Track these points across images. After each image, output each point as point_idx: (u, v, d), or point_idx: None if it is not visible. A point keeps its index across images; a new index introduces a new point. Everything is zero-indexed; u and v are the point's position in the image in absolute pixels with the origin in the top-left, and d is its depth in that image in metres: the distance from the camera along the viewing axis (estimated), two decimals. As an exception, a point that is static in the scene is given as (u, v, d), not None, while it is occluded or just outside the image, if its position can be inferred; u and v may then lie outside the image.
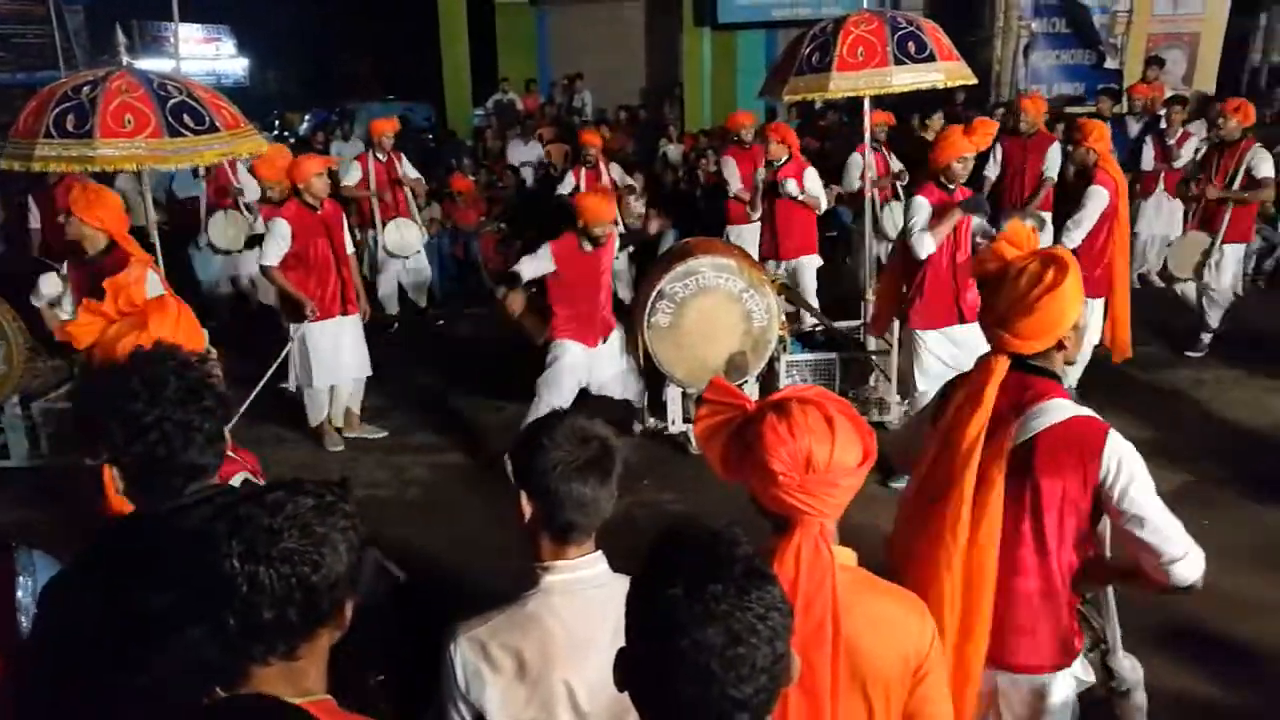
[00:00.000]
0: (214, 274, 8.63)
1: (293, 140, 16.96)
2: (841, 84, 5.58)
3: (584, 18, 16.97)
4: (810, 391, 1.73)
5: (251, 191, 8.29)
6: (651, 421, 6.13)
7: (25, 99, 5.25)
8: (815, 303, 6.83)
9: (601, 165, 8.63)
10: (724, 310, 5.60)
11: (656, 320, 5.59)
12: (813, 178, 7.32)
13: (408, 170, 8.52)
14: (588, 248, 5.44)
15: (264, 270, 5.92)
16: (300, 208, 5.84)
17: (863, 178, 6.59)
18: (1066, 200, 6.46)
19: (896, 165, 8.48)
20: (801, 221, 7.35)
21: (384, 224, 8.32)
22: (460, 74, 17.39)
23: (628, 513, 5.03)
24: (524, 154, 12.31)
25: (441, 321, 9.06)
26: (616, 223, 6.03)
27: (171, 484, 1.78)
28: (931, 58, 5.64)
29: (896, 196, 8.32)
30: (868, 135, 6.43)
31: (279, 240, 5.77)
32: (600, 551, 1.85)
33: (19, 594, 1.79)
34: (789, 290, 6.23)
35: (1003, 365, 2.24)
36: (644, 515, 5.09)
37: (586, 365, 5.62)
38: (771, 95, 6.18)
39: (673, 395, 5.89)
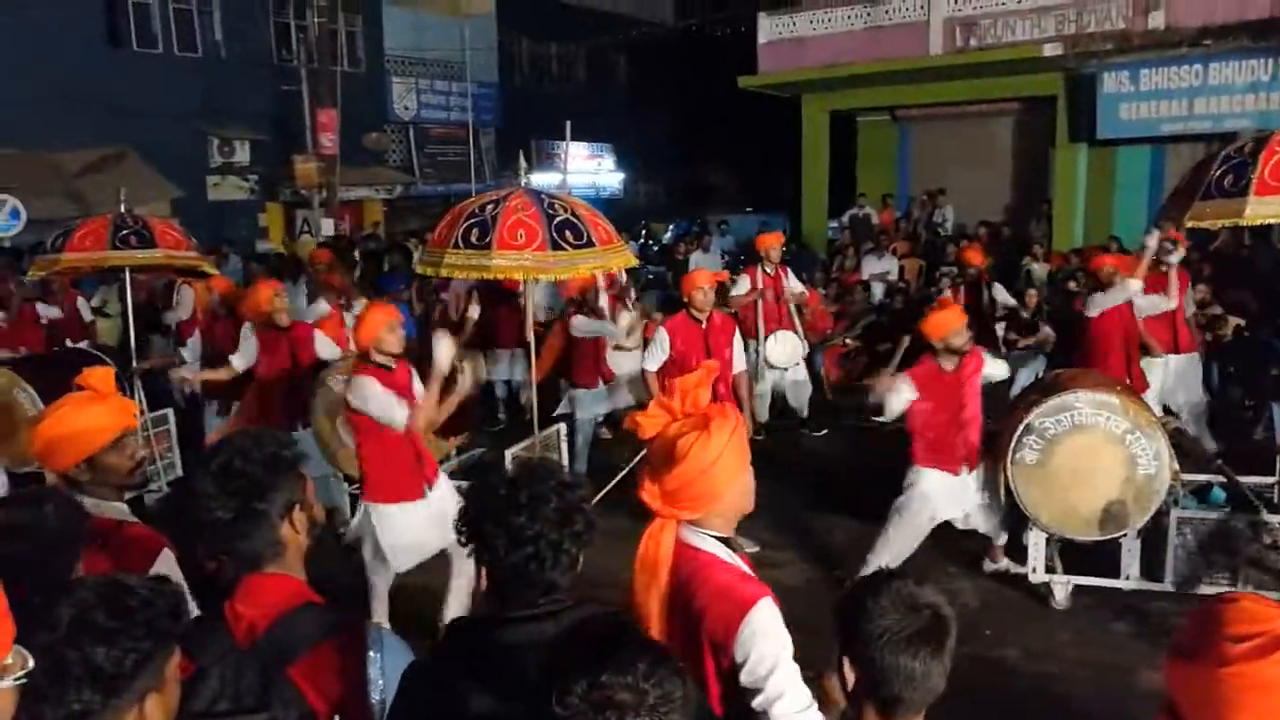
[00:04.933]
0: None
1: (656, 248, 18.17)
2: (1262, 210, 4.88)
3: (948, 133, 16.71)
4: None
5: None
6: (1006, 563, 5.60)
7: (442, 206, 6.02)
8: None
9: (983, 284, 8.16)
10: (1102, 452, 5.01)
11: (1022, 456, 5.12)
12: None
13: (793, 284, 8.63)
14: (948, 367, 5.21)
15: (643, 373, 6.35)
16: (686, 318, 6.18)
17: None
18: None
19: None
20: None
21: (767, 336, 8.41)
22: (818, 188, 17.74)
23: (959, 665, 4.52)
24: (877, 268, 12.16)
25: (825, 431, 8.93)
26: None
27: (528, 597, 1.85)
28: (1382, 179, 4.79)
29: None
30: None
31: (658, 348, 6.14)
32: None
33: (369, 669, 1.90)
34: (1181, 435, 5.46)
35: None
36: (979, 670, 4.52)
37: (947, 496, 5.29)
38: (1171, 222, 5.57)
39: (1035, 539, 5.32)
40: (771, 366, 8.42)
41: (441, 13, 22.78)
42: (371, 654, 1.90)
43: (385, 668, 1.89)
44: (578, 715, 1.35)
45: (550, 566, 1.82)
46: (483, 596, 1.94)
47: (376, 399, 4.64)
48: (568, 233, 5.48)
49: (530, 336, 6.34)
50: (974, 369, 5.26)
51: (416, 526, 4.70)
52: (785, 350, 8.39)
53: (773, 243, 8.61)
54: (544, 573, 1.82)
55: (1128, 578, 5.20)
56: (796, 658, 2.07)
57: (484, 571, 1.89)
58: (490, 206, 5.58)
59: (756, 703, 2.02)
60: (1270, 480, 5.62)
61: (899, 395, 5.21)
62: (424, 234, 11.77)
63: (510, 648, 1.79)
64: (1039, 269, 11.42)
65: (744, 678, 2.02)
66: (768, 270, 8.45)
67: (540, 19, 25.59)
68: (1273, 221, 5.17)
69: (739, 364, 6.27)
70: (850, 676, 1.71)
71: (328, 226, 16.93)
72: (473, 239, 5.47)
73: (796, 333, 8.48)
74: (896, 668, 1.65)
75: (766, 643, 2.01)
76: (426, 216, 18.32)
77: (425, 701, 1.83)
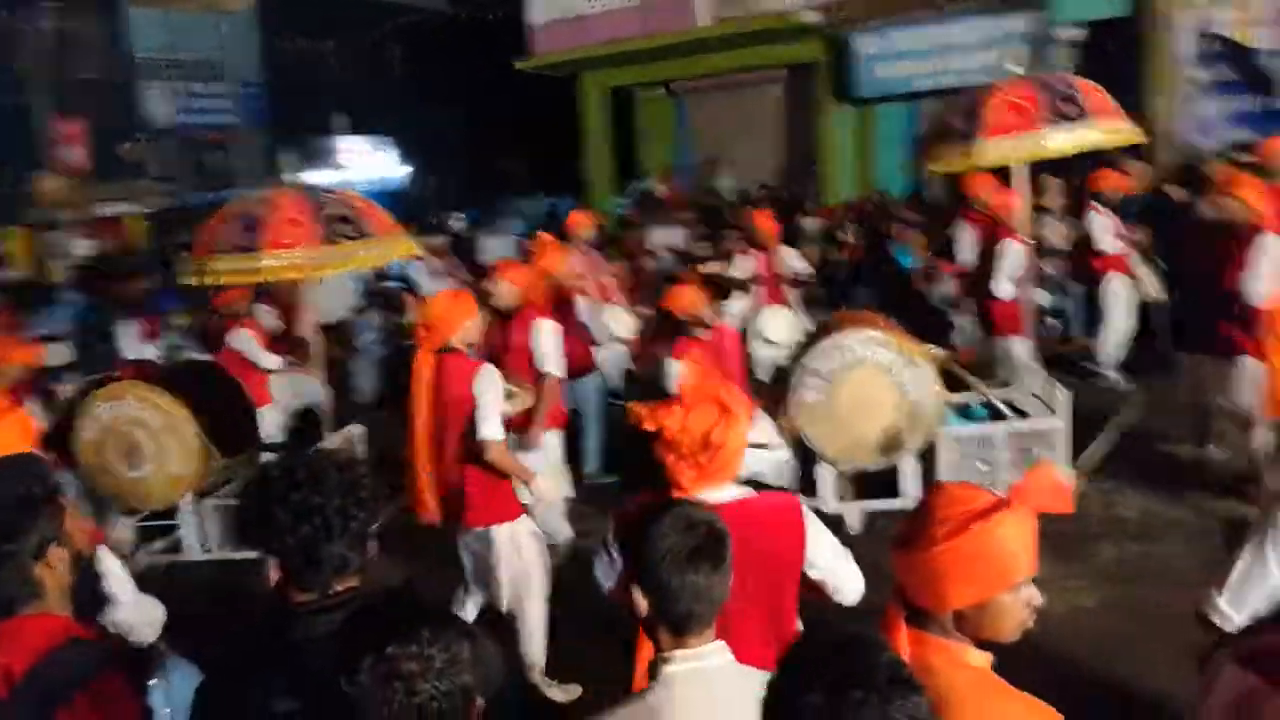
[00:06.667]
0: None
1: (449, 238, 17.88)
2: (991, 151, 5.36)
3: (722, 103, 17.25)
4: None
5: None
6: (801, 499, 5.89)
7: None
8: None
9: (771, 248, 8.20)
10: (876, 384, 5.35)
11: (804, 397, 5.39)
12: None
13: (598, 261, 8.57)
14: (702, 337, 5.22)
15: None
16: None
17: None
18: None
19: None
20: None
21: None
22: (602, 166, 17.95)
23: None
24: (665, 239, 12.45)
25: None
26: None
27: (321, 575, 1.83)
28: (1088, 117, 5.34)
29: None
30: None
31: None
32: (723, 642, 1.82)
33: (153, 697, 1.86)
34: (947, 361, 5.92)
35: None
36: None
37: None
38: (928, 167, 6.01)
39: (824, 474, 5.65)
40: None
41: (194, 10, 21.39)
42: (153, 682, 1.85)
43: (172, 694, 1.84)
44: (368, 692, 1.38)
45: (339, 535, 1.81)
46: (273, 588, 1.90)
47: (496, 391, 4.09)
48: (342, 225, 5.31)
49: (313, 339, 6.13)
50: (731, 337, 5.36)
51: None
52: (622, 324, 8.33)
53: (582, 222, 8.40)
54: (332, 544, 1.80)
55: (909, 496, 5.60)
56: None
57: (273, 564, 1.87)
58: (256, 207, 5.33)
59: (821, 575, 2.44)
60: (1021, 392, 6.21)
61: (671, 377, 5.14)
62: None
63: (303, 643, 1.76)
64: (811, 224, 12.03)
65: (811, 557, 2.42)
66: (582, 250, 8.26)
67: (305, 13, 24.42)
68: (1003, 162, 5.66)
69: (543, 361, 5.35)
70: (642, 603, 1.78)
71: (84, 248, 15.59)
72: (239, 242, 5.21)
73: (623, 307, 8.40)
74: (683, 585, 1.73)
75: (818, 529, 2.47)
76: (198, 228, 17.15)
77: (224, 715, 1.79)
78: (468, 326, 4.24)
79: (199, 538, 5.92)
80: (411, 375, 4.15)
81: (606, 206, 17.08)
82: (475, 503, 4.10)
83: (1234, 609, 2.30)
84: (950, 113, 5.68)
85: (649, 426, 2.34)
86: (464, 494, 4.09)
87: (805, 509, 2.46)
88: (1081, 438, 5.66)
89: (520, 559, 4.17)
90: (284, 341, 7.45)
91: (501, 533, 4.12)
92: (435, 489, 4.14)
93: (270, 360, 6.90)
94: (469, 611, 4.32)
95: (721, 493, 2.38)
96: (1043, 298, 7.63)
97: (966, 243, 7.57)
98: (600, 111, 17.73)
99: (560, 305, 6.32)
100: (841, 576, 2.46)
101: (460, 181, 27.51)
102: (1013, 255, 6.51)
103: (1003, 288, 6.63)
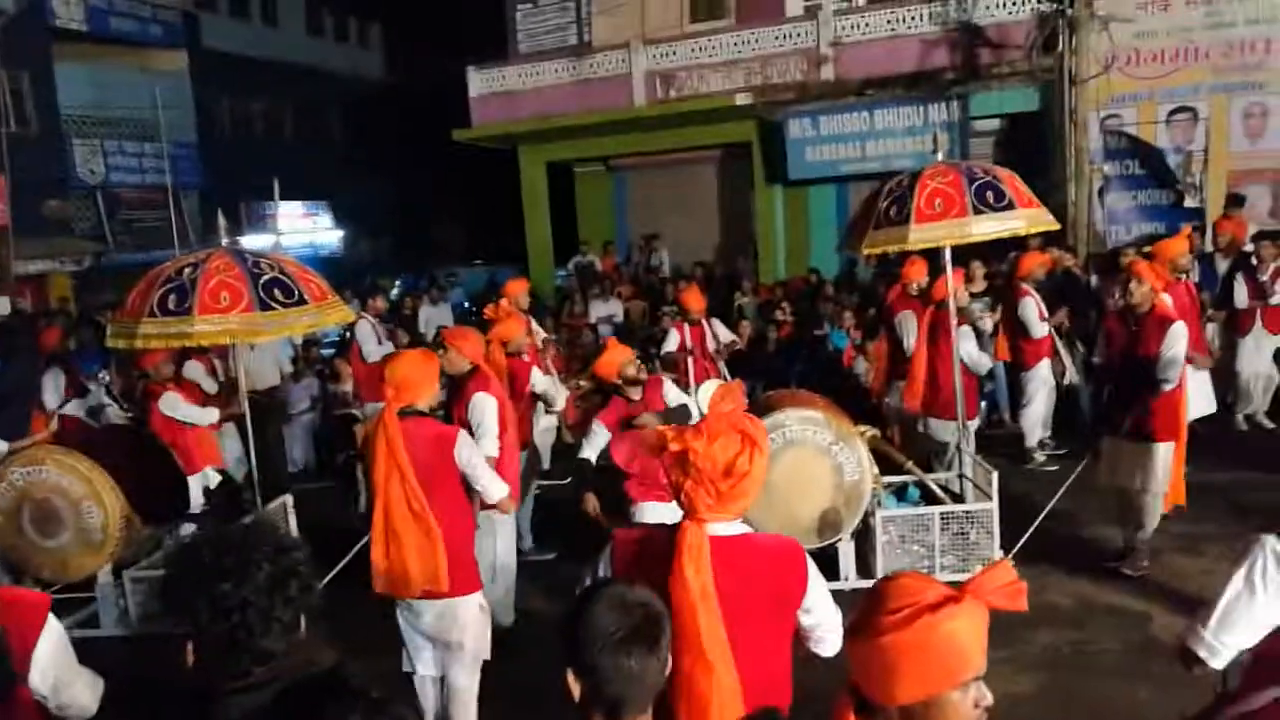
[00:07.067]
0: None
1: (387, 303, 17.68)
2: (921, 235, 5.54)
3: (659, 181, 17.62)
4: None
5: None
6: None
7: (143, 275, 5.54)
8: None
9: (705, 323, 8.50)
10: (813, 464, 5.43)
11: (742, 475, 5.41)
12: None
13: (536, 330, 8.61)
14: (634, 398, 5.20)
15: None
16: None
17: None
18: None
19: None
20: None
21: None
22: (542, 237, 18.10)
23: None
24: (603, 311, 12.56)
25: (569, 479, 8.90)
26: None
27: (240, 666, 1.74)
28: (1010, 205, 5.58)
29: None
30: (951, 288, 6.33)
31: None
32: None
33: None
34: (879, 441, 6.03)
35: None
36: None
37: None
38: (851, 250, 6.20)
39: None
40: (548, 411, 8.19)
41: (125, 69, 21.18)
42: None
43: None
44: None
45: (260, 635, 1.71)
46: (192, 668, 1.79)
47: (479, 453, 4.18)
48: (277, 291, 5.22)
49: (245, 407, 5.98)
50: (657, 395, 5.29)
51: None
52: (549, 393, 8.28)
53: (518, 290, 8.32)
54: (254, 640, 1.71)
55: (846, 579, 5.63)
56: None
57: (190, 646, 1.76)
58: (188, 270, 5.22)
59: (812, 621, 2.41)
60: (951, 475, 6.35)
61: (594, 439, 5.17)
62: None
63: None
64: (749, 303, 12.25)
65: (808, 603, 2.37)
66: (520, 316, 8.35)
67: (240, 76, 24.44)
68: (932, 245, 5.87)
69: (480, 438, 4.88)
70: (575, 687, 1.73)
71: (2, 305, 15.08)
72: (170, 306, 5.09)
73: (554, 376, 8.37)
74: (615, 668, 1.70)
75: (816, 574, 2.41)
76: (125, 288, 16.69)
77: None
78: (435, 389, 4.19)
79: (117, 611, 5.67)
80: (378, 438, 3.87)
81: (546, 278, 17.18)
82: (449, 572, 3.96)
83: (1220, 641, 2.31)
84: (880, 198, 5.87)
85: (675, 447, 2.29)
86: (441, 562, 3.93)
87: (809, 559, 2.41)
88: (1010, 520, 5.77)
89: (477, 630, 4.09)
90: (219, 398, 7.25)
91: (468, 603, 4.05)
92: (411, 555, 3.90)
93: (204, 415, 6.75)
94: (432, 684, 4.19)
95: (730, 527, 2.35)
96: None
97: (912, 330, 7.80)
98: (538, 184, 17.96)
99: (511, 376, 6.27)
100: (828, 627, 2.44)
101: (396, 248, 27.44)
102: (969, 337, 6.79)
103: (983, 365, 6.97)
